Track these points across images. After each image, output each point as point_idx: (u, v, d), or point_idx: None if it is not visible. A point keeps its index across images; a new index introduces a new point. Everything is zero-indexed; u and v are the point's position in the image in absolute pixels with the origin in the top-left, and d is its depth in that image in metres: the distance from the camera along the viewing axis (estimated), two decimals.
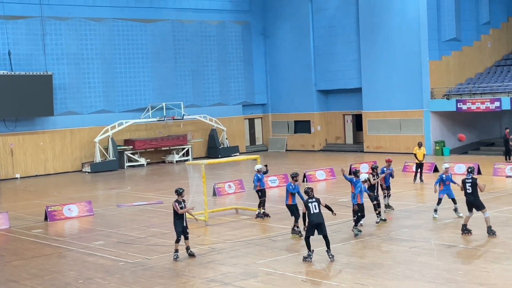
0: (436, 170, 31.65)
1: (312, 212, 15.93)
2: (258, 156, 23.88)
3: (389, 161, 22.72)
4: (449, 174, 20.56)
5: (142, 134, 44.66)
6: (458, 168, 30.61)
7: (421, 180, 28.65)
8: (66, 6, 41.40)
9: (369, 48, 43.27)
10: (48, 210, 24.44)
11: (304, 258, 16.11)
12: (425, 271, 14.93)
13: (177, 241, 17.09)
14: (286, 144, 49.87)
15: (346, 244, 17.96)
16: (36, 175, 40.24)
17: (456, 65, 42.09)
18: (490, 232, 17.66)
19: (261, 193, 22.31)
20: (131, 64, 44.18)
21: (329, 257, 15.94)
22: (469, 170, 18.46)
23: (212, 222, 21.98)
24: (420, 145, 29.18)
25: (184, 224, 17.05)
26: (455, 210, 20.54)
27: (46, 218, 24.27)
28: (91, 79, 42.57)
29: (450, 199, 20.43)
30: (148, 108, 43.76)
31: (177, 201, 17.18)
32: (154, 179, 36.26)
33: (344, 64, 45.50)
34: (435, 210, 20.54)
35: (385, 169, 22.22)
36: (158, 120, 43.77)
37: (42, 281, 15.91)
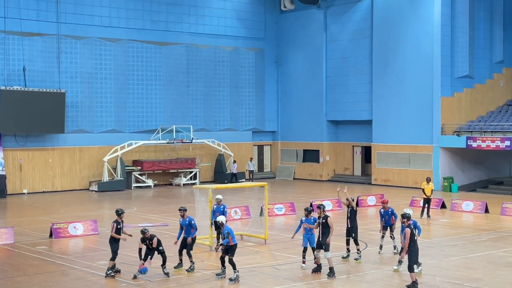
0: (443, 206, 31.59)
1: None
2: (266, 183, 23.82)
3: (384, 202, 20.94)
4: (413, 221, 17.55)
5: (151, 155, 44.77)
6: (466, 206, 30.75)
7: (428, 216, 28.55)
8: (83, 25, 41.80)
9: (381, 81, 43.37)
10: (54, 227, 24.47)
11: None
12: None
13: (113, 258, 17.73)
14: (294, 173, 49.82)
15: (350, 276, 17.86)
16: (44, 192, 40.32)
17: (468, 102, 42.11)
18: None
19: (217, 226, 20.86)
20: (143, 86, 44.46)
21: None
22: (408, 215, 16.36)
23: None
24: (428, 180, 29.11)
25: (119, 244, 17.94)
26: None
27: (51, 235, 24.30)
28: (104, 99, 42.81)
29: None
30: (158, 130, 43.89)
31: (116, 221, 17.86)
32: (160, 201, 36.23)
33: (356, 96, 45.61)
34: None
35: (382, 210, 20.67)
36: (167, 143, 43.89)
37: None
